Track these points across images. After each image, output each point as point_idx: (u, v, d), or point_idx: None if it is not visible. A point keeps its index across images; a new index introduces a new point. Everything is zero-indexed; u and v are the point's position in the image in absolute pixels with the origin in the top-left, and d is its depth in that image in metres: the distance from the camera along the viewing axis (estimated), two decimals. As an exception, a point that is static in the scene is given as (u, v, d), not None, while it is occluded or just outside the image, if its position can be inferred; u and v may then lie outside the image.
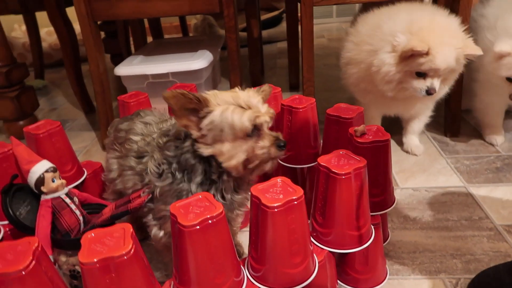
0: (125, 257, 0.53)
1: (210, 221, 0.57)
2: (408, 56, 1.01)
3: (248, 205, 0.74)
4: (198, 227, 0.56)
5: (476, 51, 1.04)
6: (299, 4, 1.28)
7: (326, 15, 3.48)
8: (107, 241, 0.54)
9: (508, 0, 1.32)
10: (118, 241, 0.54)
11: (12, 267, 0.51)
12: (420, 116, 1.30)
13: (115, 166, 0.86)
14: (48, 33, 2.66)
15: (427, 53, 0.99)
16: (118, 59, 2.18)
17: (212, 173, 0.70)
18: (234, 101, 0.66)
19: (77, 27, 1.39)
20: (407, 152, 1.31)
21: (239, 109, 0.65)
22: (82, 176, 1.01)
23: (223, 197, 0.72)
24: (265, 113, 0.67)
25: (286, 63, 2.04)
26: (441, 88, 1.13)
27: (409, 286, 0.81)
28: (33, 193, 0.81)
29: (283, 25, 2.89)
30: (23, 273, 0.51)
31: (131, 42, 2.32)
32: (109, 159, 0.89)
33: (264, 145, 0.67)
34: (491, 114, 1.31)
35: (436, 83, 1.05)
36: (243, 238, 0.94)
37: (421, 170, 1.21)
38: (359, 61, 1.14)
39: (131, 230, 0.56)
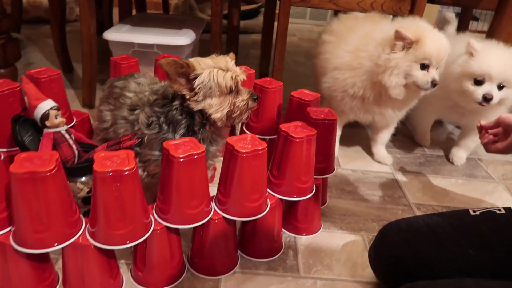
0: (127, 172, 0.69)
1: (195, 157, 0.74)
2: (408, 47, 1.09)
3: (220, 157, 0.93)
4: (183, 159, 0.74)
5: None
6: (278, 2, 1.46)
7: (300, 16, 3.70)
8: (115, 159, 0.70)
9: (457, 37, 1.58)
10: (123, 160, 0.71)
11: (41, 168, 0.66)
12: (389, 126, 1.40)
13: (109, 117, 1.00)
14: (27, -11, 2.67)
15: (418, 41, 1.07)
16: (98, 27, 2.26)
17: (194, 125, 0.88)
18: (216, 64, 0.84)
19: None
20: (378, 162, 1.42)
21: (221, 71, 0.83)
22: (72, 122, 1.14)
23: (200, 147, 0.90)
24: (241, 73, 0.86)
25: (258, 54, 2.22)
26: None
27: (336, 237, 1.03)
28: (35, 127, 0.94)
29: (260, 19, 3.08)
30: (48, 174, 0.66)
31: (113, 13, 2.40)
32: (103, 111, 1.02)
33: (243, 98, 0.86)
34: (424, 124, 1.57)
35: (437, 75, 1.11)
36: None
37: (361, 157, 1.45)
38: (354, 66, 1.19)
39: (134, 155, 0.72)
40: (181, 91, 0.84)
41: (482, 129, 0.92)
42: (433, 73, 1.11)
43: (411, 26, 1.11)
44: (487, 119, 1.30)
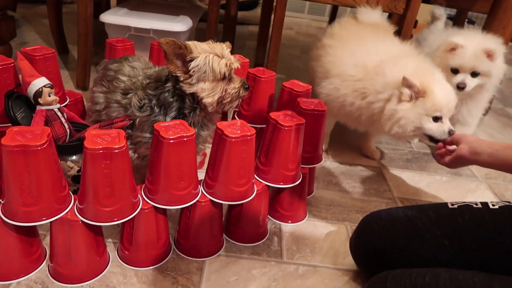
0: (117, 150, 0.71)
1: (185, 139, 0.76)
2: (416, 98, 1.05)
3: (210, 143, 0.95)
4: (173, 140, 0.75)
5: None
6: (276, -6, 1.47)
7: (298, 10, 3.70)
8: (106, 138, 0.72)
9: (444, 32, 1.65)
10: (114, 139, 0.72)
11: (32, 142, 0.67)
12: None
13: (102, 99, 1.01)
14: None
15: (425, 92, 1.04)
16: (95, 9, 2.25)
17: (185, 108, 0.89)
18: (212, 50, 0.85)
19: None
20: (366, 156, 1.44)
21: (216, 57, 0.85)
22: (65, 102, 1.15)
23: (190, 131, 0.91)
24: (235, 61, 0.87)
25: (255, 45, 2.24)
26: None
27: (320, 226, 1.06)
28: (28, 104, 0.95)
29: (258, 10, 3.08)
30: (39, 148, 0.67)
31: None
32: (96, 92, 1.03)
33: (235, 86, 0.87)
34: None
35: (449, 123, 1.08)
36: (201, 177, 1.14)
37: (350, 150, 1.47)
38: (360, 91, 1.14)
39: (125, 134, 0.74)
40: (175, 73, 0.86)
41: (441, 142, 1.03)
42: (447, 123, 1.07)
43: (419, 72, 1.07)
44: (470, 109, 1.38)
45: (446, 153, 0.99)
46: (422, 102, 1.05)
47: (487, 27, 1.49)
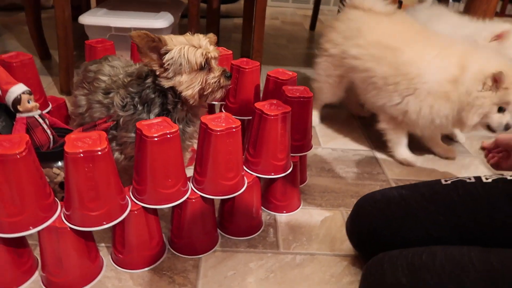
0: (100, 153, 0.69)
1: (168, 136, 0.74)
2: (496, 89, 1.07)
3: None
4: (157, 138, 0.74)
5: None
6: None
7: (282, -1, 3.66)
8: (87, 140, 0.70)
9: (431, 10, 1.63)
10: (95, 141, 0.70)
11: (10, 151, 0.65)
12: None
13: (84, 102, 0.99)
14: (0, -25, 2.59)
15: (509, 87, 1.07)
16: (76, 11, 2.21)
17: (168, 104, 0.87)
18: (188, 42, 0.83)
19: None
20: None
21: (192, 47, 0.83)
22: (47, 107, 1.12)
23: (176, 127, 0.89)
24: (213, 50, 0.85)
25: (240, 38, 2.21)
26: None
27: (315, 214, 1.05)
28: (8, 112, 0.93)
29: (242, 3, 3.04)
30: (18, 156, 0.65)
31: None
32: (78, 95, 1.01)
33: (214, 75, 0.85)
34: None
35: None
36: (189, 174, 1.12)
37: (341, 136, 1.46)
38: (453, 100, 1.13)
39: (106, 135, 0.72)
40: (151, 66, 0.84)
41: (485, 150, 0.99)
42: (508, 116, 1.11)
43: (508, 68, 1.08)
44: None
45: (500, 157, 0.96)
46: (503, 93, 1.07)
47: (471, 3, 1.48)
